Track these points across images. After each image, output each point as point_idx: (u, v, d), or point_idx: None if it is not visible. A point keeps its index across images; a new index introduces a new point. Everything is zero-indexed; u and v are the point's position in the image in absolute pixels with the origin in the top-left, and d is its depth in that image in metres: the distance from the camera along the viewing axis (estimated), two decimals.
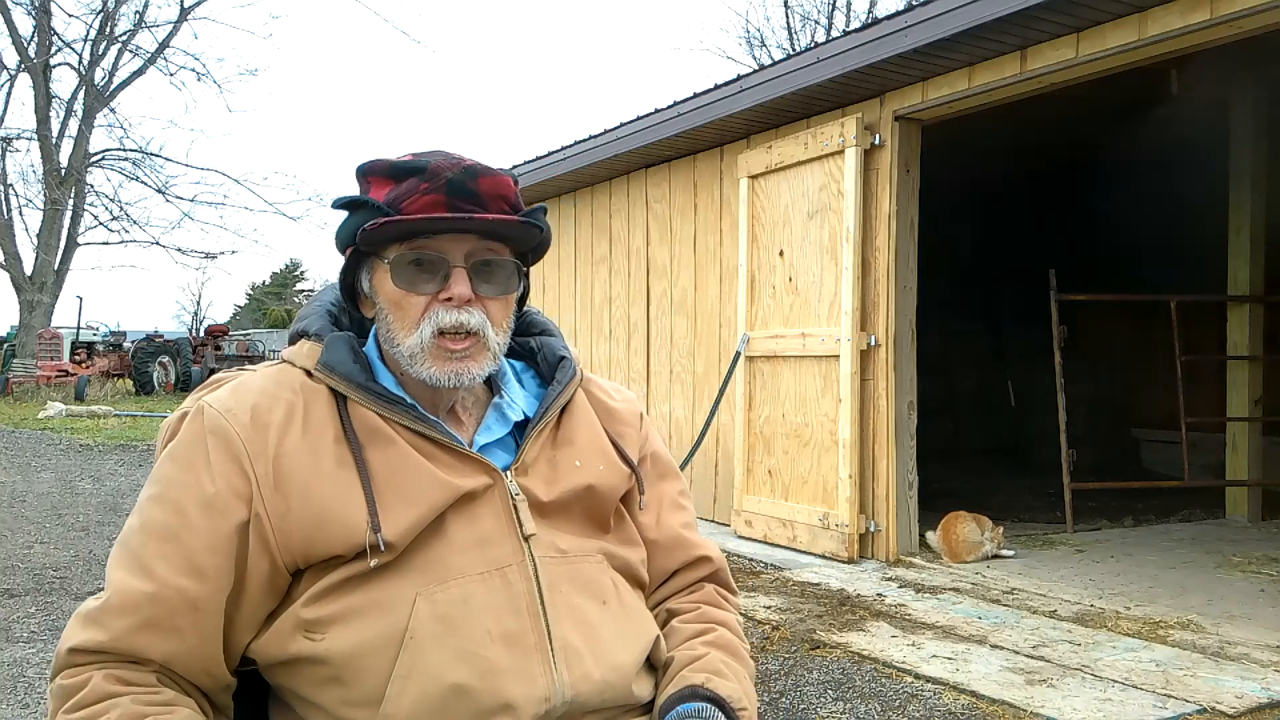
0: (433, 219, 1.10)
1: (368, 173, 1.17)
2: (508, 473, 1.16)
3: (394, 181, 1.13)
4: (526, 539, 1.13)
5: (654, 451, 1.35)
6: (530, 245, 1.21)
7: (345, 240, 1.16)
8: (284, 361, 1.20)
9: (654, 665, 1.22)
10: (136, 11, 23.77)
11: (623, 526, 1.26)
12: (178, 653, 1.05)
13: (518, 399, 1.25)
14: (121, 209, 23.50)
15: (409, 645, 1.05)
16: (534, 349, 1.31)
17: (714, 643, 1.23)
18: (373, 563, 1.06)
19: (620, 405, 1.33)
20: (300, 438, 1.10)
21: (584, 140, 7.15)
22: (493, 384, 1.24)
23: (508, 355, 1.28)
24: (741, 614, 1.36)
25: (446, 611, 1.07)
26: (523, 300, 1.27)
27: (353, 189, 1.21)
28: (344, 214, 1.17)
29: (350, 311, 1.25)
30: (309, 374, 1.16)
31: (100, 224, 23.66)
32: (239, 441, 1.08)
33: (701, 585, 1.33)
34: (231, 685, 1.11)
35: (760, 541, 5.65)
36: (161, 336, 23.30)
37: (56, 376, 19.08)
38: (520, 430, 1.22)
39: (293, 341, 1.23)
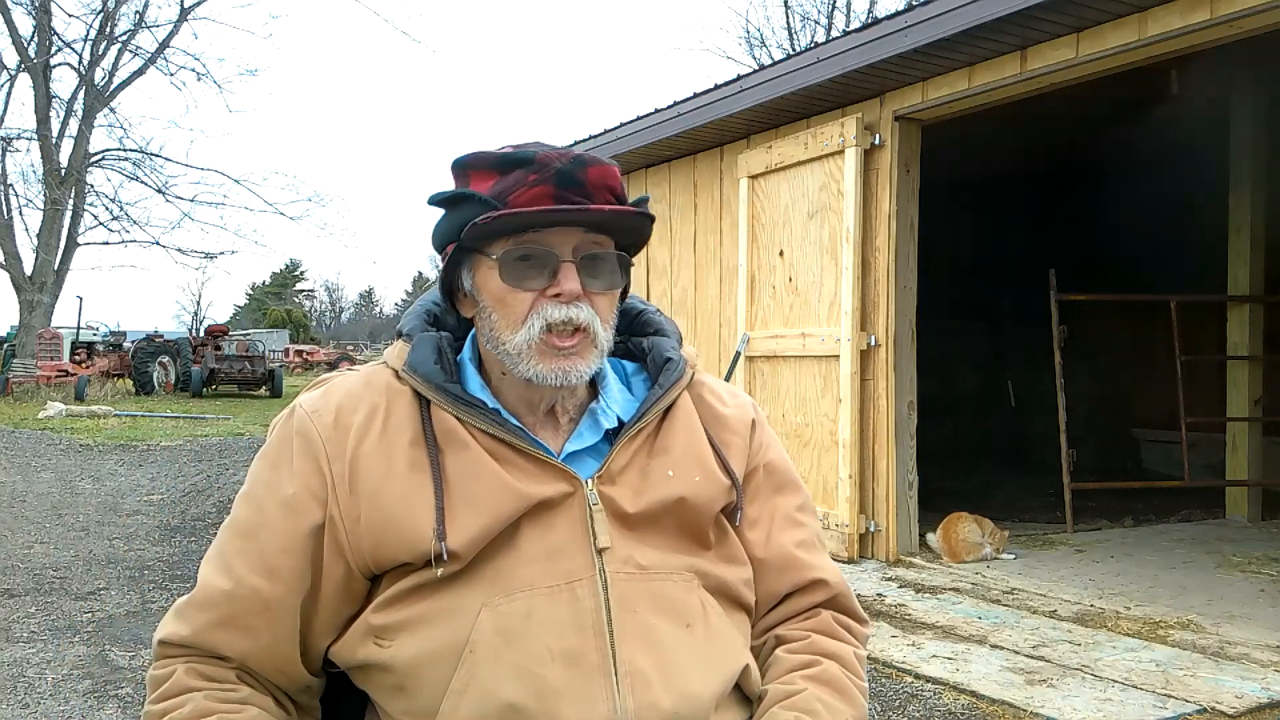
0: (548, 211, 1.05)
1: (468, 166, 1.11)
2: (590, 481, 1.10)
3: (498, 174, 1.08)
4: (600, 552, 1.07)
5: (769, 461, 1.24)
6: (637, 237, 1.15)
7: (448, 237, 1.11)
8: (380, 362, 1.18)
9: (749, 698, 1.14)
10: (136, 11, 23.80)
11: (725, 543, 1.16)
12: (252, 651, 1.05)
13: (615, 403, 1.17)
14: (121, 209, 23.58)
15: (467, 659, 1.02)
16: (645, 350, 1.23)
17: (815, 677, 1.12)
18: (439, 572, 1.03)
19: (730, 412, 1.23)
20: (378, 440, 1.08)
21: (584, 140, 7.14)
22: (595, 386, 1.17)
23: (622, 356, 1.24)
24: (867, 645, 1.23)
25: (508, 625, 1.03)
26: (624, 295, 1.20)
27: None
28: (440, 211, 1.13)
29: (450, 312, 1.20)
30: (397, 375, 1.13)
31: (100, 224, 23.72)
32: (320, 442, 1.08)
33: (818, 612, 1.21)
34: (313, 685, 1.11)
35: None
36: (161, 336, 23.33)
37: (56, 376, 19.10)
38: (617, 436, 1.15)
39: (394, 340, 1.21)
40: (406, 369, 1.12)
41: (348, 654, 1.08)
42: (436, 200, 1.12)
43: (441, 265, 1.14)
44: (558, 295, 1.07)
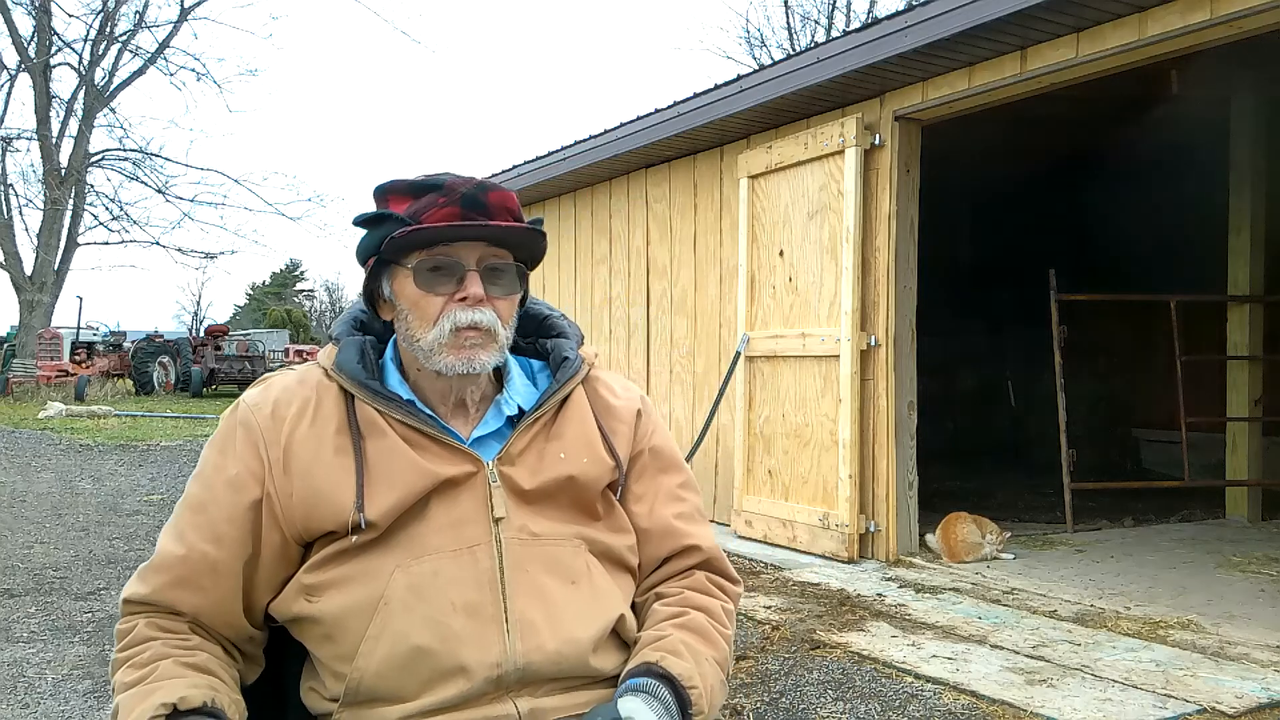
0: (453, 226, 1.24)
1: (387, 191, 1.30)
2: (491, 462, 1.29)
3: (412, 197, 1.27)
4: (496, 521, 1.26)
5: (654, 446, 1.43)
6: (532, 252, 1.35)
7: (369, 252, 1.30)
8: (315, 362, 1.36)
9: (627, 643, 1.32)
10: (136, 11, 23.82)
11: (612, 515, 1.36)
12: (203, 607, 1.23)
13: (517, 395, 1.36)
14: (121, 209, 23.56)
15: (382, 610, 1.20)
16: (548, 350, 1.42)
17: (682, 625, 1.32)
18: (354, 539, 1.22)
19: (620, 403, 1.42)
20: (309, 428, 1.27)
21: (584, 140, 7.14)
22: (500, 381, 1.36)
23: (532, 356, 1.44)
24: (739, 602, 1.44)
25: (418, 582, 1.22)
26: (523, 301, 1.39)
27: (359, 198, 1.35)
28: (363, 232, 1.31)
29: (375, 317, 1.37)
30: (327, 373, 1.32)
31: (100, 224, 23.71)
32: (259, 431, 1.26)
33: (692, 573, 1.41)
34: (257, 637, 1.29)
35: (760, 541, 5.66)
36: (161, 336, 23.34)
37: (56, 376, 19.10)
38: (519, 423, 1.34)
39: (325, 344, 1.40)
40: (334, 368, 1.31)
41: (284, 609, 1.26)
42: (360, 221, 1.30)
43: (364, 277, 1.33)
44: (464, 299, 1.26)
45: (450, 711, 1.19)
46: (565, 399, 1.36)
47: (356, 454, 1.24)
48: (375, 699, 1.21)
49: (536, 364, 1.42)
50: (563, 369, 1.38)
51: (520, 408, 1.34)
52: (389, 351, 1.36)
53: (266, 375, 1.38)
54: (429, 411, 1.30)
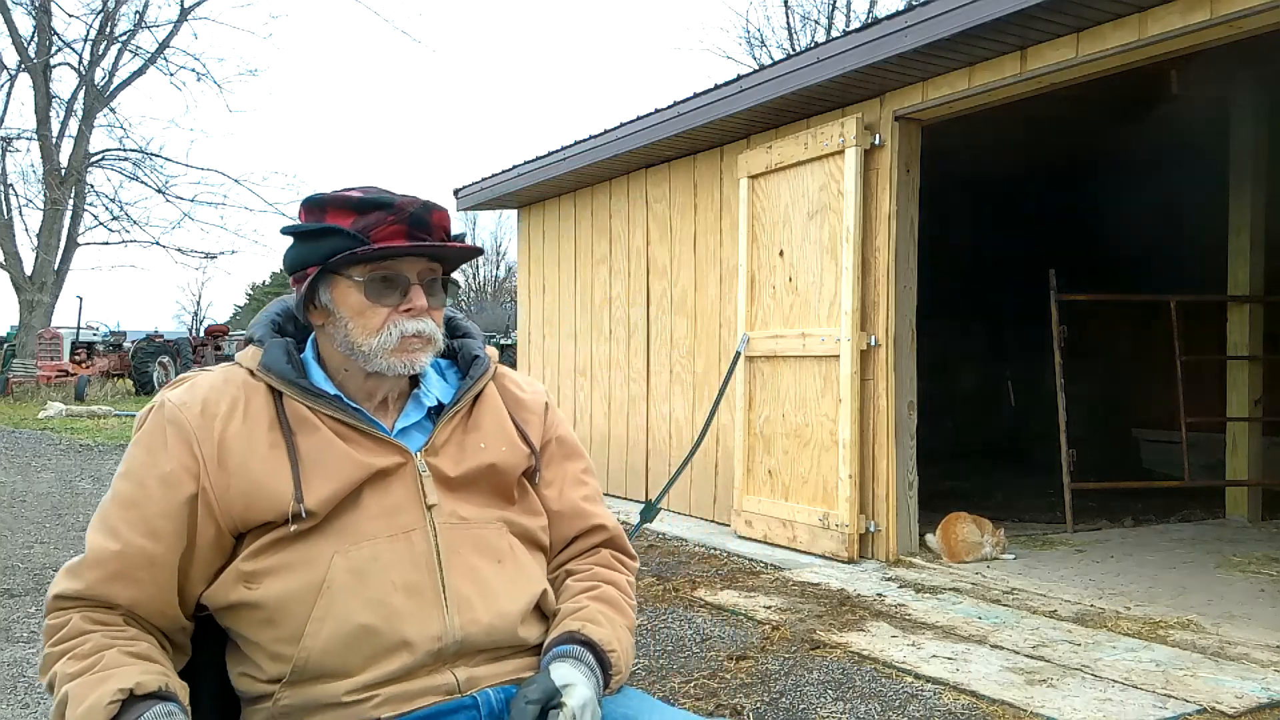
0: (417, 246, 1.34)
1: (326, 204, 1.36)
2: (419, 453, 1.39)
3: (357, 214, 1.34)
4: (429, 508, 1.36)
5: (559, 435, 1.56)
6: (460, 265, 1.47)
7: (310, 260, 1.36)
8: (235, 363, 1.42)
9: (546, 615, 1.44)
10: (136, 11, 23.78)
11: (526, 499, 1.48)
12: (139, 599, 1.27)
13: (434, 390, 1.46)
14: (121, 209, 23.49)
15: (326, 593, 1.28)
16: (455, 349, 1.53)
17: (597, 597, 1.45)
18: (293, 527, 1.29)
19: (528, 397, 1.55)
20: (241, 425, 1.33)
21: (584, 140, 7.14)
22: (415, 378, 1.45)
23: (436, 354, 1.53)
24: (635, 575, 1.59)
25: (358, 566, 1.30)
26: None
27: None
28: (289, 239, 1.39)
29: (297, 321, 1.45)
30: (252, 373, 1.38)
31: (100, 224, 23.64)
32: (190, 429, 1.31)
33: (598, 550, 1.55)
34: (187, 628, 1.34)
35: (760, 541, 5.65)
36: (161, 336, 23.28)
37: (56, 376, 19.08)
38: (439, 416, 1.44)
39: (245, 346, 1.45)
40: (261, 369, 1.37)
41: (220, 597, 1.31)
42: (297, 231, 1.37)
43: (297, 284, 1.39)
44: (409, 310, 1.36)
45: (394, 683, 1.28)
46: (479, 394, 1.48)
47: (289, 448, 1.32)
48: (321, 676, 1.28)
49: (444, 361, 1.52)
50: (475, 366, 1.50)
51: (440, 401, 1.45)
52: (308, 351, 1.44)
53: (183, 376, 1.44)
54: (356, 406, 1.38)
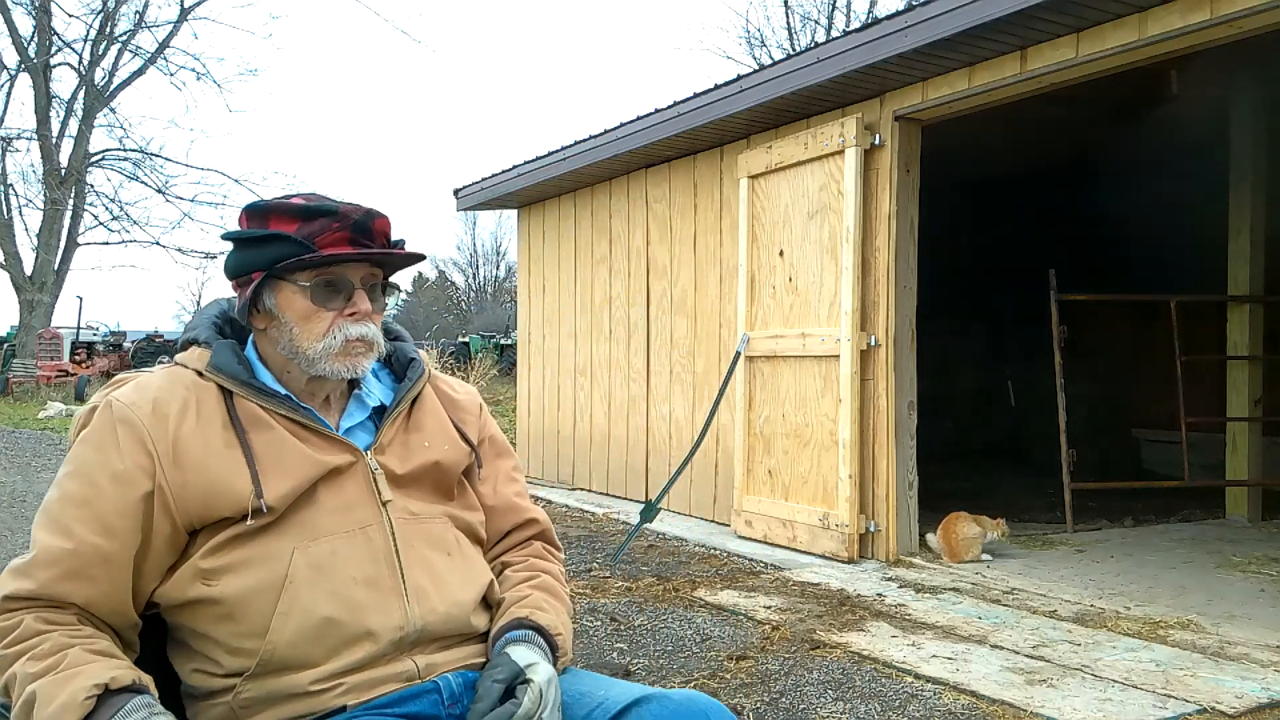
0: (364, 252, 1.39)
1: (270, 211, 1.39)
2: (368, 452, 1.44)
3: (302, 220, 1.37)
4: (384, 504, 1.41)
5: (491, 435, 1.64)
6: (400, 270, 1.53)
7: (255, 265, 1.38)
8: (177, 364, 1.44)
9: (490, 604, 1.50)
10: (136, 11, 23.72)
11: (465, 495, 1.55)
12: (94, 597, 1.28)
13: (375, 391, 1.52)
14: (121, 209, 23.45)
15: (288, 588, 1.31)
16: (389, 352, 1.57)
17: (537, 586, 1.53)
18: (251, 523, 1.32)
19: (463, 398, 1.63)
20: (195, 424, 1.35)
21: (584, 140, 7.14)
22: (353, 380, 1.49)
23: None
24: (564, 565, 1.67)
25: (318, 561, 1.34)
26: None
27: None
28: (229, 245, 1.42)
29: (234, 323, 1.49)
30: (200, 374, 1.40)
31: (100, 224, 23.61)
32: (143, 428, 1.32)
33: (530, 542, 1.64)
34: (138, 625, 1.35)
35: (760, 542, 5.65)
36: (161, 336, 23.31)
37: (56, 376, 19.10)
38: (379, 417, 1.50)
39: (183, 348, 1.48)
40: (211, 369, 1.40)
41: (176, 594, 1.33)
42: (238, 237, 1.40)
43: (239, 289, 1.42)
44: (353, 314, 1.41)
45: (357, 672, 1.33)
46: (417, 396, 1.54)
47: (244, 446, 1.35)
48: (287, 668, 1.31)
49: (375, 364, 1.55)
50: (412, 368, 1.56)
51: (382, 402, 1.51)
52: (249, 352, 1.47)
53: (124, 375, 1.46)
54: (306, 406, 1.43)
